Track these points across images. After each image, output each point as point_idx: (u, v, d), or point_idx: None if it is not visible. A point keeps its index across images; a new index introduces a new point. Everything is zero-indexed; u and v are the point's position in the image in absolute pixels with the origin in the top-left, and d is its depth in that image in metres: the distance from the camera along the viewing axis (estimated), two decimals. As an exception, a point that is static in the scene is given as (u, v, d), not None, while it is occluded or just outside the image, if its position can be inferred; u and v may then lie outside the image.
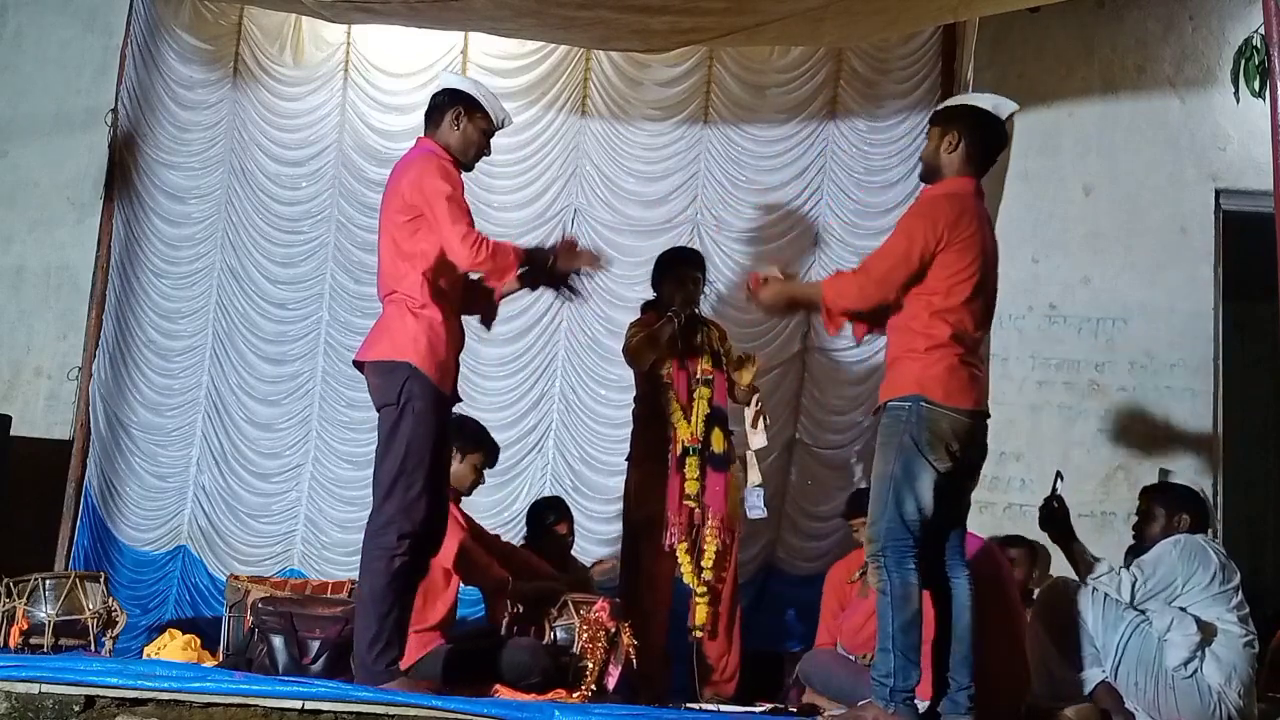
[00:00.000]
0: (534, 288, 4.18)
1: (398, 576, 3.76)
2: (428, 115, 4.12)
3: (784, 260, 5.80)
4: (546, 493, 6.11)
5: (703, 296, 5.38)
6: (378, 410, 3.87)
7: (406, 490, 3.77)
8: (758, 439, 5.15)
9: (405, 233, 3.87)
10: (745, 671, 5.14)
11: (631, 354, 5.23)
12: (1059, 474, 4.49)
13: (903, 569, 3.58)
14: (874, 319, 3.85)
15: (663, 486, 5.08)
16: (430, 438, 3.82)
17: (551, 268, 4.01)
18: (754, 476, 5.13)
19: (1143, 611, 4.18)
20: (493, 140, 4.18)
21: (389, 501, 3.78)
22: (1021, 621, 4.40)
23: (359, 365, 4.00)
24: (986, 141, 3.82)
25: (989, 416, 3.82)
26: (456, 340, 3.95)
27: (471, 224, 3.85)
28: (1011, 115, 3.89)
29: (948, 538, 3.76)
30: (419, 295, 3.85)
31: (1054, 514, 4.42)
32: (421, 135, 4.10)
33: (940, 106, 3.99)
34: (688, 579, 5.02)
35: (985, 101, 3.89)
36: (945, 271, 3.66)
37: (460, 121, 4.04)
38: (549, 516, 5.32)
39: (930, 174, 3.87)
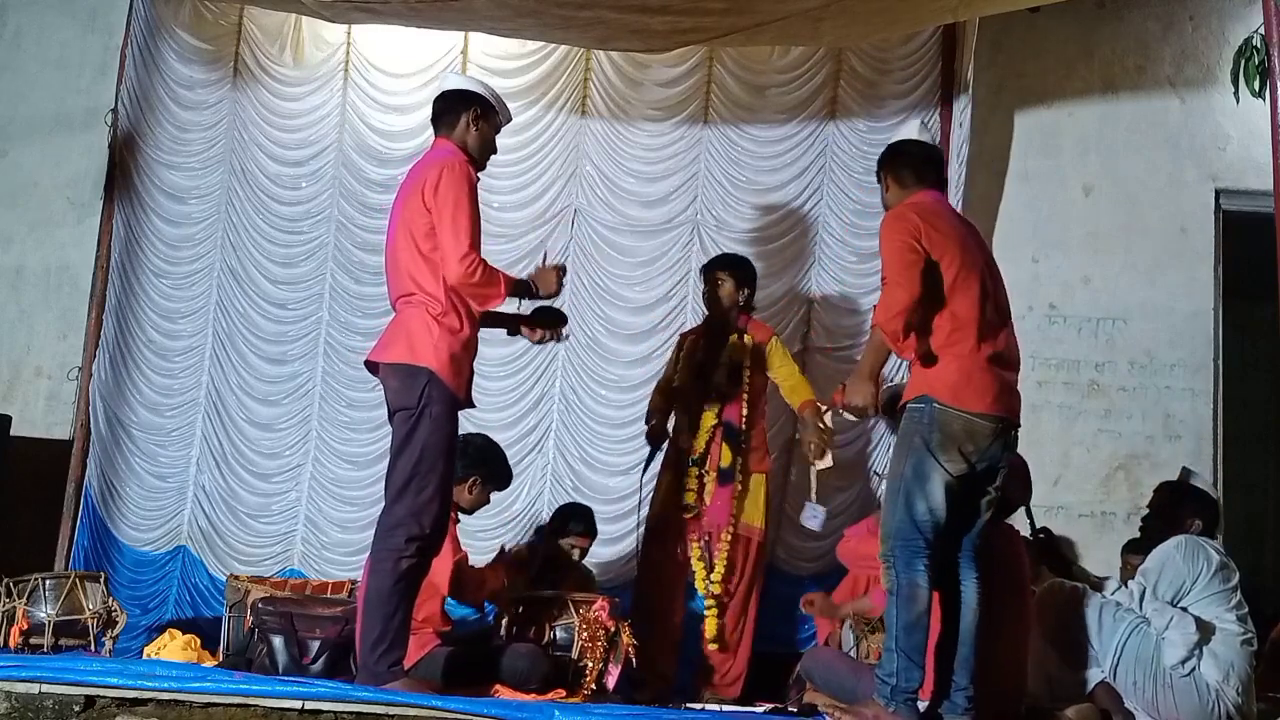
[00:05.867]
0: (513, 333, 4.33)
1: (404, 578, 3.77)
2: (438, 116, 4.12)
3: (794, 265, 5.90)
4: (547, 493, 6.12)
5: (741, 296, 5.31)
6: (393, 412, 3.88)
7: (418, 494, 3.78)
8: (824, 461, 5.08)
9: (427, 235, 3.86)
10: (747, 672, 5.15)
11: (649, 410, 5.34)
12: (1028, 509, 4.42)
13: (911, 570, 3.59)
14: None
15: (676, 492, 5.19)
16: (445, 443, 3.84)
17: (536, 294, 4.10)
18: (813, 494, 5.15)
19: (1143, 616, 4.19)
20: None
21: (399, 504, 3.79)
22: (1029, 608, 4.36)
23: (371, 365, 4.00)
24: (908, 164, 3.97)
25: (1016, 425, 3.78)
26: (474, 347, 3.97)
27: (475, 244, 3.86)
28: (925, 129, 4.13)
29: (961, 541, 3.76)
30: (441, 301, 3.85)
31: (1044, 546, 4.45)
32: (436, 136, 4.12)
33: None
34: (699, 588, 5.11)
35: (898, 134, 4.13)
36: (942, 274, 3.71)
37: (478, 122, 4.07)
38: (570, 524, 5.29)
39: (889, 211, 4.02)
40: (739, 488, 5.13)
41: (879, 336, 3.73)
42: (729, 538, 5.08)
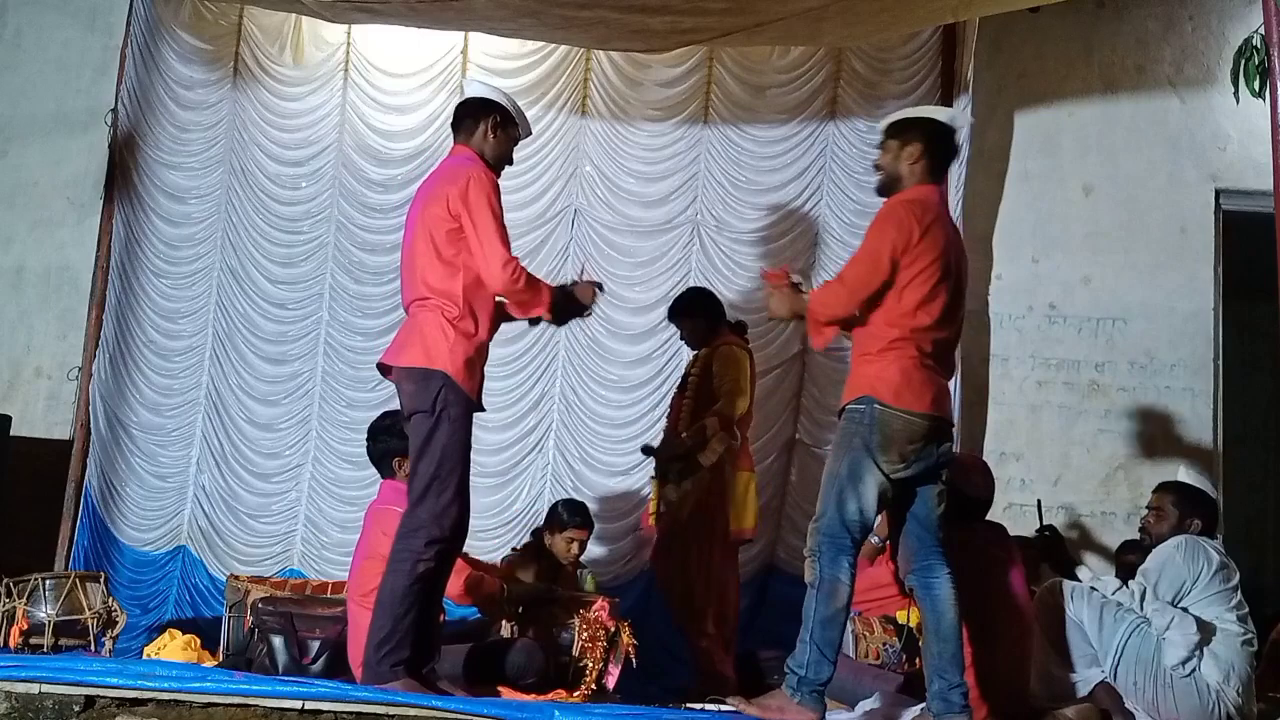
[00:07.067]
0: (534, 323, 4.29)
1: (420, 580, 3.78)
2: (458, 121, 4.11)
3: (794, 264, 5.89)
4: (547, 493, 6.12)
5: (700, 326, 5.40)
6: (408, 416, 3.88)
7: (439, 496, 3.79)
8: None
9: (448, 240, 3.85)
10: (747, 672, 5.13)
11: None
12: (1039, 502, 4.46)
13: (835, 566, 3.65)
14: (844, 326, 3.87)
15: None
16: (462, 446, 3.85)
17: (575, 305, 4.11)
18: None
19: (1143, 616, 4.19)
20: None
21: (421, 507, 3.80)
22: (1028, 608, 4.35)
23: (384, 368, 3.99)
24: (944, 153, 3.90)
25: (951, 424, 3.83)
26: (486, 351, 3.97)
27: (510, 248, 3.87)
28: (967, 129, 3.97)
29: (919, 540, 3.76)
30: (458, 306, 3.84)
31: (1050, 544, 4.45)
32: (455, 142, 4.11)
33: (895, 118, 3.98)
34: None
35: (942, 114, 3.99)
36: (904, 275, 3.71)
37: (496, 130, 4.06)
38: (567, 517, 5.28)
39: (891, 184, 3.91)
40: (658, 487, 5.23)
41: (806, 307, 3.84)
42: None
